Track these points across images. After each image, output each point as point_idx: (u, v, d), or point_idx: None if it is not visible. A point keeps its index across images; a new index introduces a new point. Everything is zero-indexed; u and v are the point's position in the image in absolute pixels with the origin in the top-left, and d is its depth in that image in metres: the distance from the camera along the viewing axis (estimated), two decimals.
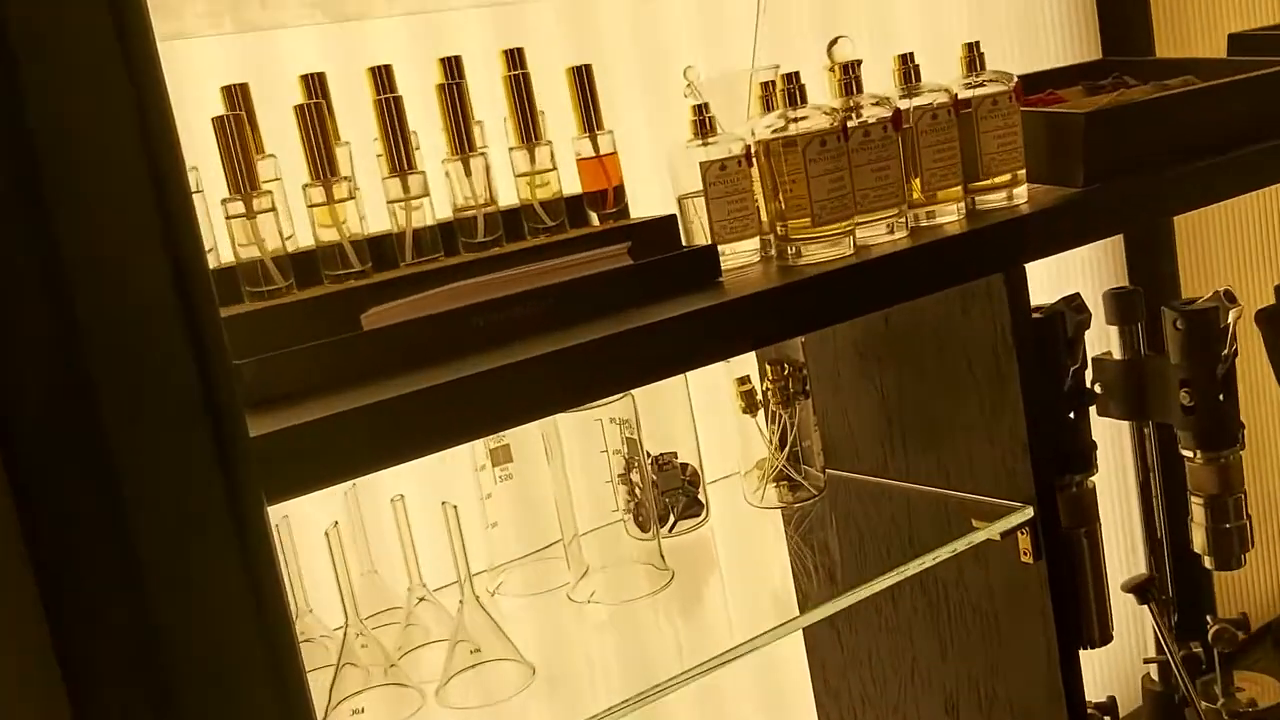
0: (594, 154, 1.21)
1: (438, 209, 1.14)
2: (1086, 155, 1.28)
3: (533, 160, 1.18)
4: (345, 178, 1.07)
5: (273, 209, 1.04)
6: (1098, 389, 1.46)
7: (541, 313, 1.02)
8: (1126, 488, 1.99)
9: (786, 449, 1.36)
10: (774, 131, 1.15)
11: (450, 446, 0.88)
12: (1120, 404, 1.52)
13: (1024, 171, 1.26)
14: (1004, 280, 1.20)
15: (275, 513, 1.07)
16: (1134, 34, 2.06)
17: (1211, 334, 1.42)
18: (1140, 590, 1.58)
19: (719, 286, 1.11)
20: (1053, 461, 1.27)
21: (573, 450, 1.22)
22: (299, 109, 1.05)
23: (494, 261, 1.06)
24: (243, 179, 1.02)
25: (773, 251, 1.20)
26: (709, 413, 1.43)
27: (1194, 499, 1.48)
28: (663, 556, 1.23)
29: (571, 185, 1.22)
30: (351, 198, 1.07)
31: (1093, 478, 1.35)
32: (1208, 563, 1.51)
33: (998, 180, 1.25)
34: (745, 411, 1.37)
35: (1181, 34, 2.08)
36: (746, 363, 1.38)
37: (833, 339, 1.43)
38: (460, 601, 1.05)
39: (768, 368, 1.36)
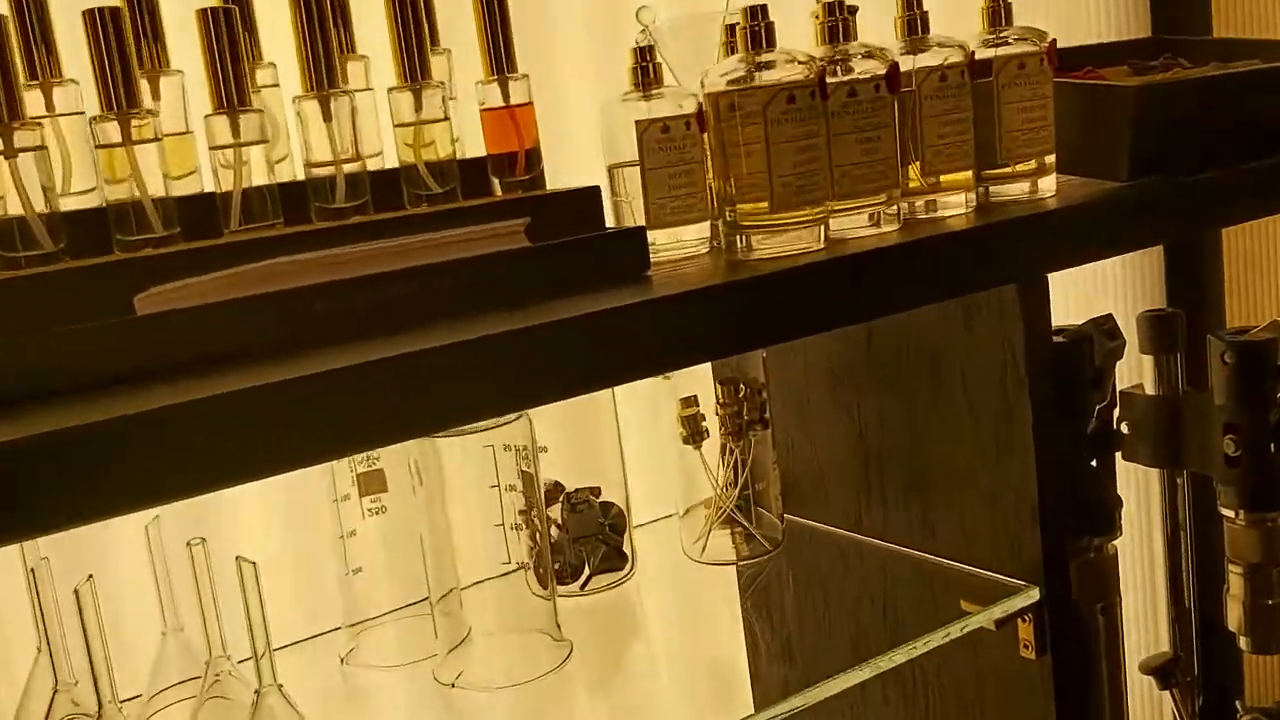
0: (503, 104, 0.96)
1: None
2: (1134, 140, 1.09)
3: (419, 107, 0.92)
4: (150, 112, 0.82)
5: (41, 147, 0.78)
6: (1124, 428, 1.33)
7: (390, 304, 0.77)
8: (1151, 549, 1.89)
9: (737, 489, 1.13)
10: (730, 82, 0.89)
11: (200, 494, 0.62)
12: (1150, 448, 1.36)
13: (1053, 158, 1.07)
14: (1018, 293, 1.02)
15: (31, 551, 0.83)
16: (1189, 21, 1.93)
17: (1266, 371, 1.26)
18: (1162, 673, 1.45)
19: (645, 282, 0.87)
20: (1067, 526, 1.10)
21: (456, 484, 0.96)
22: (89, 14, 0.79)
23: (338, 234, 0.80)
24: None
25: (722, 242, 0.94)
26: (643, 439, 1.23)
27: (1232, 567, 1.32)
28: (558, 625, 0.97)
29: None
30: (157, 139, 0.82)
31: (1115, 541, 1.22)
32: (1243, 643, 1.35)
33: (1020, 167, 1.05)
34: (687, 441, 1.12)
35: (1242, 25, 1.89)
36: (696, 377, 1.13)
37: (802, 355, 1.22)
38: (257, 691, 0.79)
39: (719, 387, 1.11)
